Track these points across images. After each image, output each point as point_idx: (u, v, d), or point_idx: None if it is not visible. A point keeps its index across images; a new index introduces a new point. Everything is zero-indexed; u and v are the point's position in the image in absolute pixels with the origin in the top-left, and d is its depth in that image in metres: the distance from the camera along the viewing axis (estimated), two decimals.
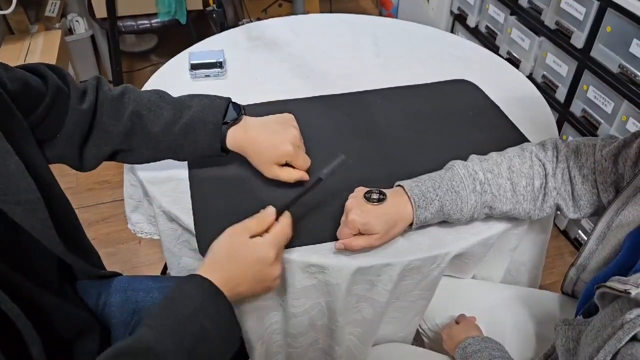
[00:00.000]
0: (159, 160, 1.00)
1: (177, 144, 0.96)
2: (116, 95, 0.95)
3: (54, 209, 0.81)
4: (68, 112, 0.90)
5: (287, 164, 0.99)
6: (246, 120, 0.98)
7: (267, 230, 0.82)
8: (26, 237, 0.78)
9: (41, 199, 0.79)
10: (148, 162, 1.01)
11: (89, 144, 0.95)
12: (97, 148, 0.95)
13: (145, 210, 1.20)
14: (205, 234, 0.92)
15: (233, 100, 0.99)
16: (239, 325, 0.79)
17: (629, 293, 0.63)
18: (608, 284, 0.69)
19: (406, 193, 0.91)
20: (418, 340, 1.18)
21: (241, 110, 0.98)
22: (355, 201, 0.90)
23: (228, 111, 0.97)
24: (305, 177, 1.00)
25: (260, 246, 0.80)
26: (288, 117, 1.02)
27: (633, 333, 0.61)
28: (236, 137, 0.96)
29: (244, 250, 0.79)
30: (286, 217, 0.85)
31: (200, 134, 0.95)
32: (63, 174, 0.98)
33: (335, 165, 0.89)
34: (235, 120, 0.96)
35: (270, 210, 0.83)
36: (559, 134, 1.90)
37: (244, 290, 0.80)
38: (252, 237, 0.80)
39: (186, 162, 1.06)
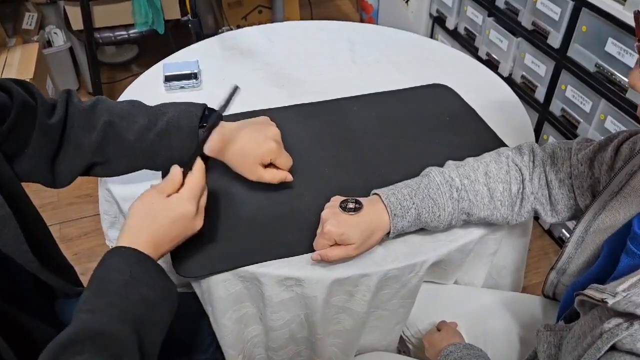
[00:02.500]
0: (136, 170, 0.98)
1: (152, 150, 0.93)
2: (88, 107, 0.93)
3: (26, 224, 0.80)
4: (35, 126, 0.87)
5: (269, 165, 0.97)
6: (223, 124, 0.95)
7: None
8: (0, 256, 0.77)
9: (12, 214, 0.77)
10: (125, 172, 0.98)
11: (60, 159, 0.92)
12: (70, 162, 0.93)
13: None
14: (179, 249, 0.91)
15: None
16: (173, 282, 0.79)
17: (606, 302, 0.63)
18: (586, 292, 0.69)
19: (382, 201, 0.90)
20: (403, 347, 1.18)
21: (218, 115, 0.96)
22: (331, 211, 0.89)
23: (205, 117, 0.95)
24: (290, 177, 0.98)
25: (179, 202, 0.80)
26: (265, 118, 1.01)
27: (611, 343, 0.61)
28: (214, 140, 0.93)
29: (164, 209, 0.80)
30: (197, 168, 0.84)
31: (175, 140, 0.93)
32: (44, 189, 0.97)
33: (230, 95, 0.92)
34: (213, 124, 0.94)
35: (177, 169, 0.83)
36: (540, 134, 1.92)
37: (169, 248, 0.81)
38: (168, 196, 0.81)
39: (160, 177, 1.04)
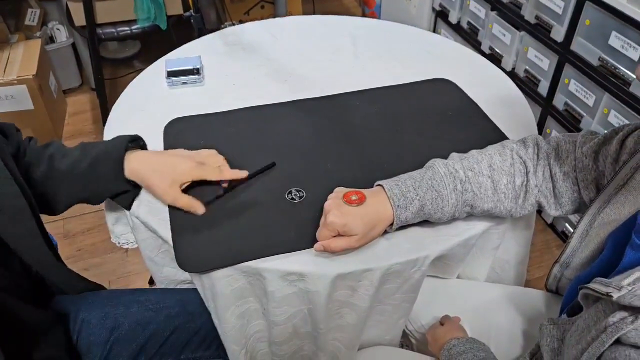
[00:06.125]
0: (80, 202, 0.98)
1: (85, 179, 0.94)
2: (42, 146, 0.97)
3: (39, 219, 0.80)
4: None
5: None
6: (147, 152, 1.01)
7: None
8: (4, 250, 0.76)
9: (27, 205, 0.77)
10: (70, 204, 0.98)
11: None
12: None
13: (127, 221, 1.18)
14: (184, 247, 0.91)
15: (213, 106, 1.00)
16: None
17: (611, 296, 0.62)
18: (591, 285, 0.68)
19: (386, 193, 0.90)
20: (406, 341, 1.17)
21: (142, 143, 1.02)
22: (334, 202, 0.89)
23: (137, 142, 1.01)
24: (201, 209, 0.96)
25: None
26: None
27: (616, 336, 0.60)
28: (136, 161, 0.95)
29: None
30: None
31: (104, 167, 0.93)
32: None
33: (263, 167, 1.03)
34: (133, 146, 0.98)
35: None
36: (543, 129, 1.91)
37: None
38: None
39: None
